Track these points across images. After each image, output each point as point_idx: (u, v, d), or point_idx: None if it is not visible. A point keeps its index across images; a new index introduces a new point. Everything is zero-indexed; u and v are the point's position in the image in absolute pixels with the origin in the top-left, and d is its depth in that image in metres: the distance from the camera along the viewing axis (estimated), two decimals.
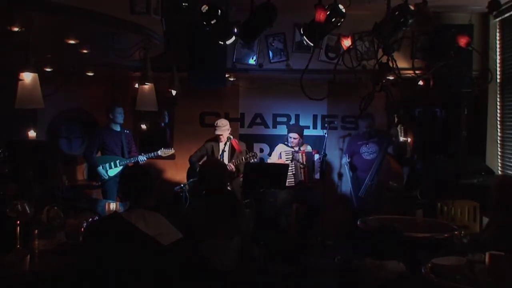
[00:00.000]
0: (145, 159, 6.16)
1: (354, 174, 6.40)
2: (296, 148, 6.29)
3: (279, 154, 6.31)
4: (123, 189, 3.18)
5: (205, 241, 3.50)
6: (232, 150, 6.10)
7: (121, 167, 5.99)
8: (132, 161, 6.11)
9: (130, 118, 6.83)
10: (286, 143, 6.38)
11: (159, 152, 6.20)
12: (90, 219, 3.51)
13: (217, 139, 6.13)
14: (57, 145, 6.71)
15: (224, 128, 6.07)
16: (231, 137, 6.11)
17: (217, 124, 6.11)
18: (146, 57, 4.47)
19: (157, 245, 2.82)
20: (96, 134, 6.27)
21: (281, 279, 5.06)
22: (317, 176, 6.24)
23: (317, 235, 6.36)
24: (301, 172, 6.20)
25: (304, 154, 6.22)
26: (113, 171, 6.00)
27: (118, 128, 6.16)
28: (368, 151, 6.30)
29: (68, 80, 6.30)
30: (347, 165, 6.45)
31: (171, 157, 6.55)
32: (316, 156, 6.25)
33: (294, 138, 6.28)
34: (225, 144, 6.04)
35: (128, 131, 6.34)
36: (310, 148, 6.41)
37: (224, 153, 6.04)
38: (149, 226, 2.87)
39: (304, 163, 6.18)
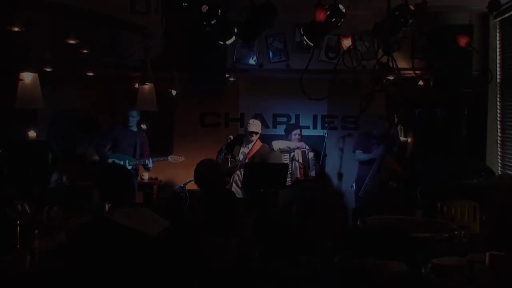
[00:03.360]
0: (151, 164, 6.13)
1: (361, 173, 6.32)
2: (296, 146, 6.29)
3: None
4: (102, 190, 3.13)
5: (204, 241, 3.50)
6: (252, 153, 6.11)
7: (130, 167, 5.95)
8: (141, 163, 6.10)
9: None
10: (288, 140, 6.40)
11: (169, 158, 6.20)
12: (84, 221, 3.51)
13: (241, 141, 6.14)
14: (57, 145, 6.71)
15: (257, 126, 6.09)
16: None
17: (250, 122, 6.14)
18: (146, 57, 4.48)
19: (145, 237, 2.82)
20: (110, 129, 6.29)
21: (281, 279, 5.05)
22: (312, 173, 6.26)
23: (317, 235, 6.36)
24: (300, 172, 6.20)
25: (300, 153, 6.23)
26: None
27: (134, 129, 6.16)
28: (378, 152, 6.25)
29: (68, 80, 6.33)
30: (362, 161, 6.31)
31: None
32: (311, 154, 6.27)
33: (299, 134, 6.39)
34: (252, 143, 6.06)
35: (144, 134, 6.32)
36: (306, 146, 6.41)
37: (241, 156, 6.07)
38: (134, 221, 2.88)
39: (301, 161, 6.20)
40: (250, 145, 6.10)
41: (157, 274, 2.81)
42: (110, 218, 2.88)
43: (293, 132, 6.43)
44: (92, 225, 2.94)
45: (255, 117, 6.71)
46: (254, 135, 6.07)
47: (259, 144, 6.12)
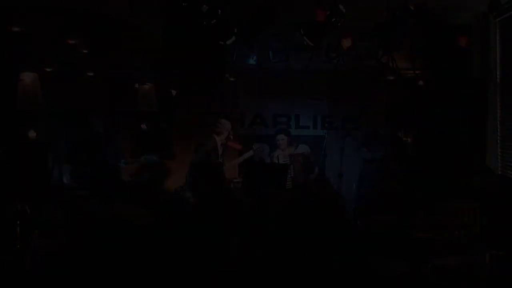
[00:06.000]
0: (125, 165, 5.99)
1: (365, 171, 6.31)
2: (287, 150, 6.22)
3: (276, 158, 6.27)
4: (92, 189, 3.17)
5: (204, 240, 3.50)
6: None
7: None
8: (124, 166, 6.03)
9: (130, 118, 6.81)
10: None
11: (141, 160, 6.07)
12: None
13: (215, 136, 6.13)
14: (57, 145, 6.70)
15: (226, 127, 6.07)
16: (231, 137, 6.08)
17: (220, 123, 6.10)
18: (146, 57, 4.49)
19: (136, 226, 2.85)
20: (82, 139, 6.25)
21: (281, 279, 5.05)
22: (311, 176, 6.24)
23: (317, 235, 6.35)
24: (299, 170, 6.17)
25: (300, 157, 6.17)
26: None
27: (100, 130, 6.08)
28: (381, 152, 6.22)
29: (68, 80, 6.32)
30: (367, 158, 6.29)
31: (171, 157, 6.54)
32: (308, 158, 6.22)
33: (282, 139, 6.18)
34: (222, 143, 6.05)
35: (111, 134, 6.23)
36: (307, 148, 6.35)
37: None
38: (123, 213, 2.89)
39: (301, 161, 6.17)
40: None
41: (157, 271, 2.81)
42: (103, 214, 2.89)
43: (277, 137, 6.21)
44: (89, 223, 2.96)
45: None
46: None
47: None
